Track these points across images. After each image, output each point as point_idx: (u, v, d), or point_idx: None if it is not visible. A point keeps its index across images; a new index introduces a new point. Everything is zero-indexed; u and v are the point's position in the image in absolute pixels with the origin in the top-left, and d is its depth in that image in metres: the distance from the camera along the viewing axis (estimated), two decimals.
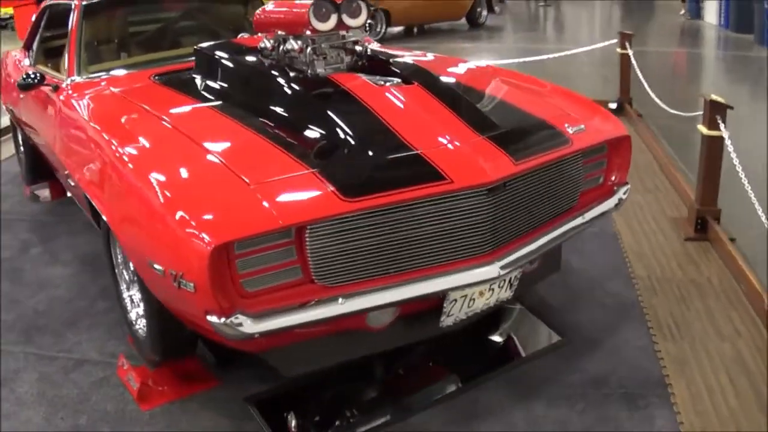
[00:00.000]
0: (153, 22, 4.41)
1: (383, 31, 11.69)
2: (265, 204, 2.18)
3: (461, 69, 3.63)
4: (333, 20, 2.99)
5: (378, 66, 3.14)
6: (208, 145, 2.56)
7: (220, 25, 4.64)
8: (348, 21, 3.02)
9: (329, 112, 2.67)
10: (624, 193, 3.11)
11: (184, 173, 2.47)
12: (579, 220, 2.88)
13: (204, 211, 2.21)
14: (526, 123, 2.84)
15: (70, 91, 3.53)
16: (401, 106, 2.72)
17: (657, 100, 5.81)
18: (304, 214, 2.20)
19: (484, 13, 15.41)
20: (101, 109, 3.27)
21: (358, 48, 3.18)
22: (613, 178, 3.11)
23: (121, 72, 3.74)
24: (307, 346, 2.51)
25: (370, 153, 2.46)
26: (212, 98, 3.10)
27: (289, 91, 2.89)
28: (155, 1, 4.32)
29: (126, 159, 2.62)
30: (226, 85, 3.19)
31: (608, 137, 2.99)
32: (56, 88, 3.64)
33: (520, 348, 3.29)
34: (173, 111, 2.99)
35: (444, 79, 3.10)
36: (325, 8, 2.96)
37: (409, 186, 2.32)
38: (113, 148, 2.73)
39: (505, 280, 2.65)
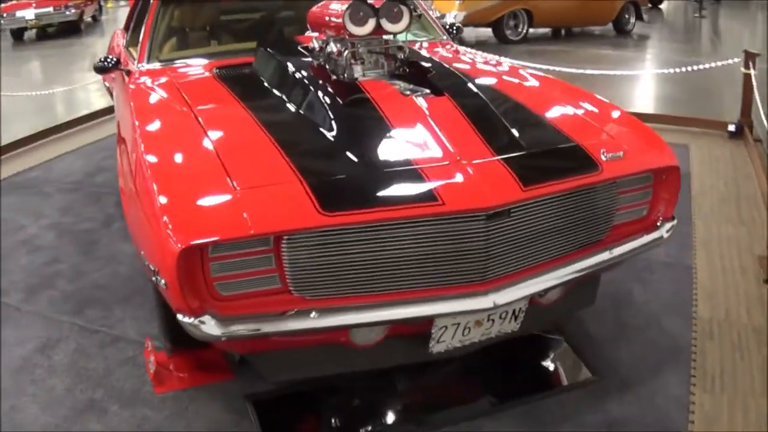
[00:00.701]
0: (235, 12, 4.44)
1: (525, 32, 11.41)
2: (243, 210, 2.16)
3: (513, 81, 3.42)
4: (371, 25, 2.91)
5: (418, 73, 3.03)
6: (219, 144, 2.56)
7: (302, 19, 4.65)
8: (387, 26, 2.93)
9: (342, 119, 2.61)
10: (668, 231, 2.83)
11: (182, 170, 2.50)
12: (605, 256, 2.64)
13: (184, 211, 2.22)
14: (555, 145, 2.64)
15: (137, 77, 3.65)
16: (420, 118, 2.61)
17: None
18: (278, 224, 2.16)
19: (632, 20, 14.72)
20: (146, 97, 3.36)
21: (399, 54, 3.07)
22: (658, 212, 2.85)
23: (192, 61, 3.80)
24: (293, 354, 2.47)
25: (367, 165, 2.38)
26: (252, 95, 3.09)
27: (311, 94, 2.84)
28: None
29: (140, 145, 2.67)
30: (266, 83, 3.19)
31: (650, 167, 2.73)
32: (128, 73, 3.78)
33: (551, 379, 3.12)
34: (206, 106, 3.01)
35: (482, 91, 2.93)
36: (362, 12, 2.88)
37: (396, 204, 2.22)
38: (136, 134, 2.79)
39: (507, 312, 2.49)
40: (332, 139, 2.55)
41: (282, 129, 2.67)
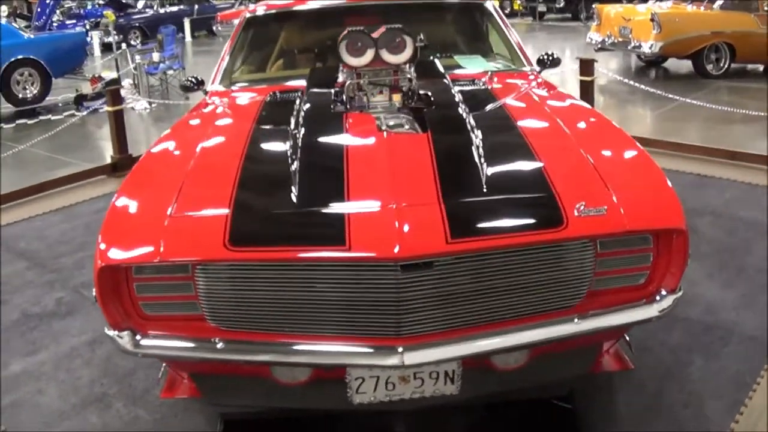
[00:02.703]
0: (315, 39, 4.47)
1: (726, 66, 10.48)
2: (162, 237, 2.24)
3: (538, 119, 3.11)
4: (369, 55, 2.85)
5: (422, 106, 2.92)
6: (194, 168, 2.66)
7: None
8: (387, 57, 2.85)
9: (305, 153, 2.59)
10: (668, 304, 2.43)
11: (143, 192, 2.63)
12: (567, 327, 2.32)
13: (117, 231, 2.35)
14: (523, 193, 2.40)
15: (206, 97, 3.89)
16: (380, 158, 2.52)
17: None
18: (184, 254, 2.22)
19: None
20: (190, 116, 3.56)
21: (403, 86, 2.97)
22: (658, 281, 2.47)
23: (258, 84, 3.96)
24: (227, 381, 2.51)
25: (297, 202, 2.34)
26: (269, 121, 3.14)
27: (299, 125, 2.85)
28: (322, 18, 4.38)
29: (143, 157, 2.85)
30: (292, 110, 3.25)
31: (642, 227, 2.35)
32: (205, 93, 4.04)
33: None
34: (220, 129, 3.15)
35: (482, 129, 2.74)
36: (360, 42, 2.83)
37: (301, 245, 2.18)
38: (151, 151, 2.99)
39: (437, 373, 2.32)
40: (288, 172, 2.54)
41: (257, 158, 2.72)
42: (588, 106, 3.51)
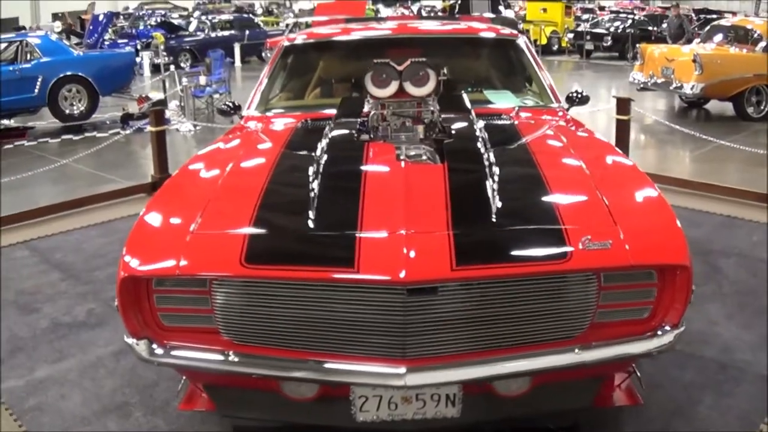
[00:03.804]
0: (351, 69, 4.53)
1: (766, 109, 10.38)
2: (182, 252, 2.37)
3: (557, 155, 3.20)
4: (393, 87, 2.95)
5: (443, 138, 3.02)
6: (222, 187, 2.82)
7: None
8: (411, 90, 2.95)
9: (325, 178, 2.70)
10: (670, 340, 2.46)
11: (171, 207, 2.78)
12: (568, 357, 2.37)
13: (141, 245, 2.50)
14: (532, 225, 2.48)
15: (242, 122, 4.05)
16: (396, 187, 2.62)
17: None
18: (202, 269, 2.35)
19: None
20: (225, 138, 3.70)
21: (426, 118, 3.07)
22: (661, 316, 2.49)
23: (293, 112, 4.10)
24: (238, 394, 2.62)
25: (314, 225, 2.45)
26: (298, 146, 3.27)
27: (323, 151, 2.96)
28: (358, 49, 4.47)
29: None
30: (315, 136, 3.35)
31: (644, 263, 2.40)
32: (241, 117, 4.18)
33: None
34: (252, 152, 3.29)
35: (499, 163, 2.82)
36: (385, 74, 2.93)
37: (313, 266, 2.28)
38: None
39: (438, 395, 2.40)
40: (308, 196, 2.64)
41: (280, 182, 2.84)
42: (607, 142, 3.55)
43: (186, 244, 2.42)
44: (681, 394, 3.36)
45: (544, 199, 2.65)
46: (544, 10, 24.92)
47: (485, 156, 2.87)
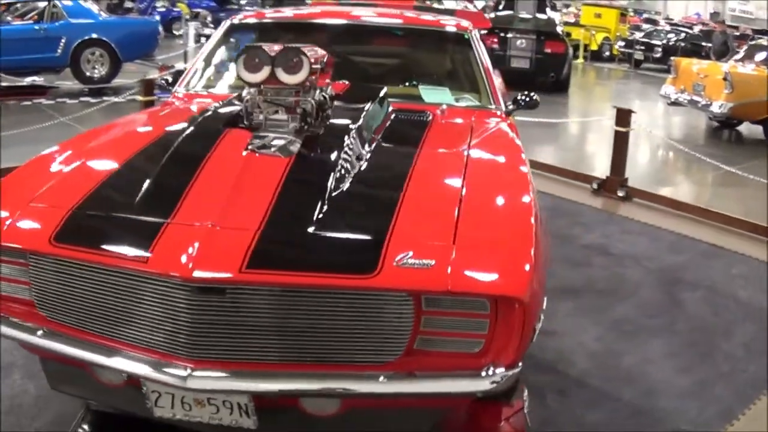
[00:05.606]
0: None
1: None
2: (12, 222, 2.33)
3: (442, 161, 2.95)
4: (264, 72, 2.74)
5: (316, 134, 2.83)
6: (81, 164, 2.73)
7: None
8: (282, 76, 2.73)
9: (168, 163, 2.61)
10: (498, 381, 2.16)
11: (30, 176, 2.67)
12: (369, 386, 2.15)
13: None
14: (349, 233, 2.27)
15: (170, 98, 3.93)
16: (229, 177, 2.44)
17: None
18: (14, 240, 2.30)
19: None
20: (129, 117, 3.65)
21: (305, 107, 2.81)
22: (494, 352, 2.19)
23: (218, 93, 3.93)
24: (67, 371, 2.54)
25: (131, 209, 2.35)
26: (178, 128, 3.08)
27: (181, 134, 2.87)
28: (302, 34, 4.22)
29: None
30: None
31: (462, 290, 2.08)
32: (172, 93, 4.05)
33: None
34: (140, 131, 3.27)
35: (357, 161, 2.66)
36: (258, 58, 2.74)
37: (112, 252, 2.19)
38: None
39: (230, 403, 2.24)
40: (145, 179, 2.52)
41: (135, 163, 2.71)
42: (519, 150, 3.17)
43: (19, 215, 2.36)
44: None
45: (389, 206, 2.38)
46: (598, 15, 24.41)
47: (347, 155, 2.64)
